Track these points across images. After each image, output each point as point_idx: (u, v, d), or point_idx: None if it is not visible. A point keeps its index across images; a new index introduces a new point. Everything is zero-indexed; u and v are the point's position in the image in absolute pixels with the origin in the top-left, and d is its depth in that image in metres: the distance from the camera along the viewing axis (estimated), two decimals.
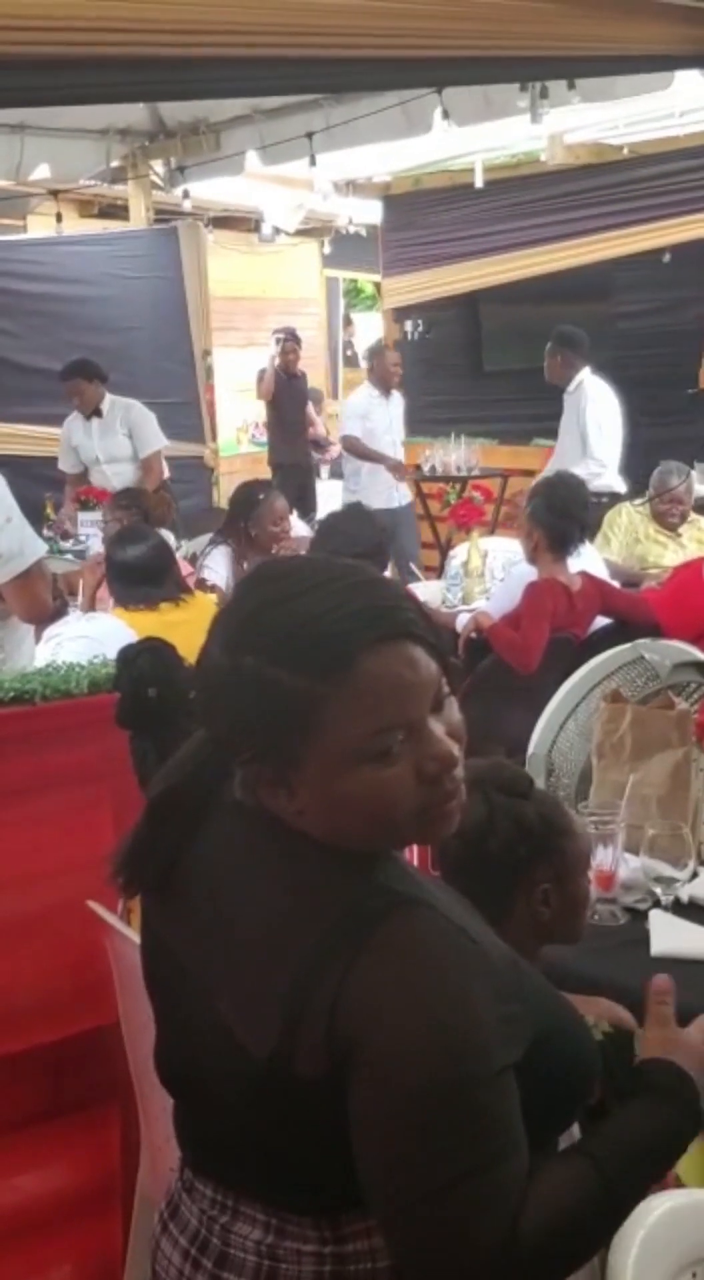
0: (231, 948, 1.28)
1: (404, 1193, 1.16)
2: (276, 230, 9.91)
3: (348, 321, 14.33)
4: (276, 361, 9.89)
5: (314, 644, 1.23)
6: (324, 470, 10.91)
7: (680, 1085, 1.37)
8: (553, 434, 8.53)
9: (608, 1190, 1.25)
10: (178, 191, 7.71)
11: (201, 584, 4.89)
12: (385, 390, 8.14)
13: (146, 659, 2.49)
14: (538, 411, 8.96)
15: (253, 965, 1.25)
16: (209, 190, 8.12)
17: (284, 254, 11.20)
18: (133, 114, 6.58)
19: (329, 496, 9.49)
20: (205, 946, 1.31)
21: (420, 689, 1.25)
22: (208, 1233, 1.34)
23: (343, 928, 1.20)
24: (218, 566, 5.12)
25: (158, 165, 7.68)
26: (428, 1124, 1.15)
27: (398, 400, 8.37)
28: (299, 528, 5.84)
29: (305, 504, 9.13)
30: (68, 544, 6.59)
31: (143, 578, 4.11)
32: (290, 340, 9.94)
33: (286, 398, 10.11)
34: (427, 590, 5.74)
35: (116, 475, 7.07)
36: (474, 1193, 1.16)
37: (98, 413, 7.12)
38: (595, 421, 6.89)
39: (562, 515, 4.64)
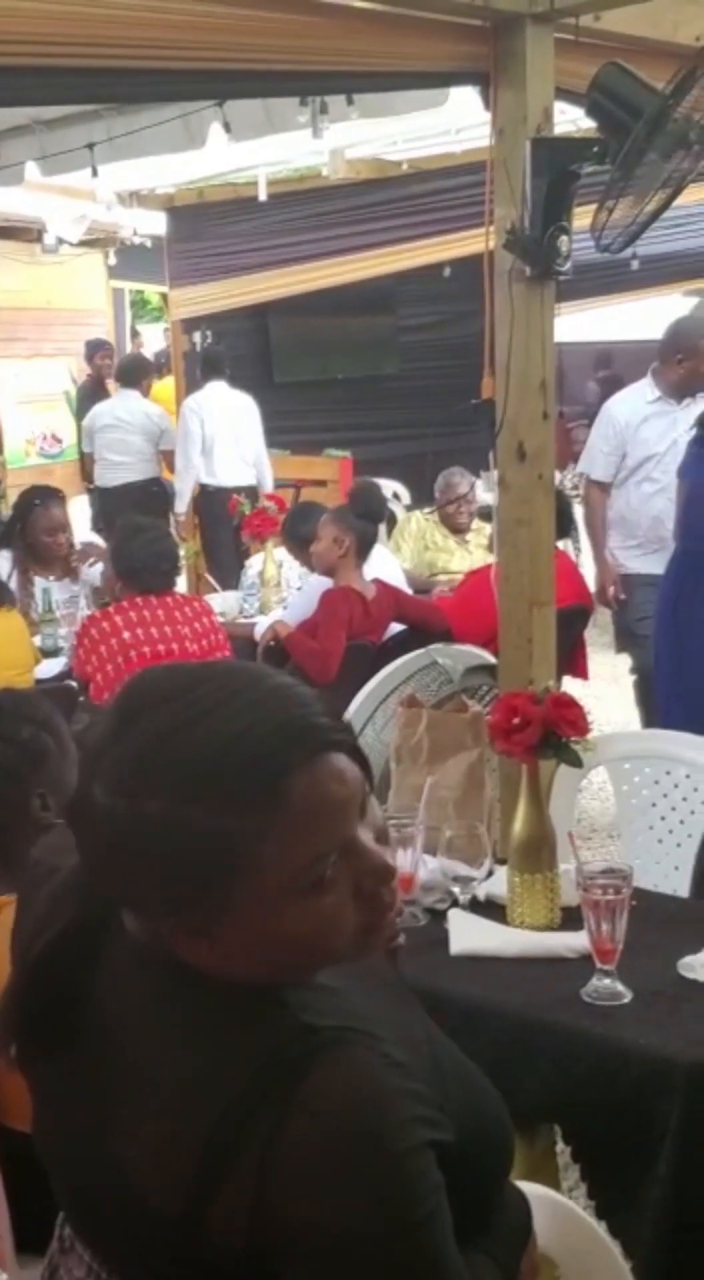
0: (133, 1091, 1.13)
1: None
2: (60, 241, 9.77)
3: (135, 333, 14.21)
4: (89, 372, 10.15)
5: (232, 775, 1.08)
6: None
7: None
8: (344, 444, 8.65)
9: None
10: None
11: None
12: (678, 395, 5.21)
13: None
14: (329, 422, 9.08)
15: (162, 1114, 1.11)
16: None
17: (69, 265, 11.05)
18: None
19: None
20: (99, 1086, 1.16)
21: (351, 804, 1.14)
22: None
23: (265, 1081, 1.07)
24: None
25: None
26: None
27: None
28: None
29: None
30: None
31: None
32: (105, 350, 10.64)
33: None
34: (223, 601, 5.74)
35: None
36: None
37: None
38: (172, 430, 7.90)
39: (372, 518, 4.77)
